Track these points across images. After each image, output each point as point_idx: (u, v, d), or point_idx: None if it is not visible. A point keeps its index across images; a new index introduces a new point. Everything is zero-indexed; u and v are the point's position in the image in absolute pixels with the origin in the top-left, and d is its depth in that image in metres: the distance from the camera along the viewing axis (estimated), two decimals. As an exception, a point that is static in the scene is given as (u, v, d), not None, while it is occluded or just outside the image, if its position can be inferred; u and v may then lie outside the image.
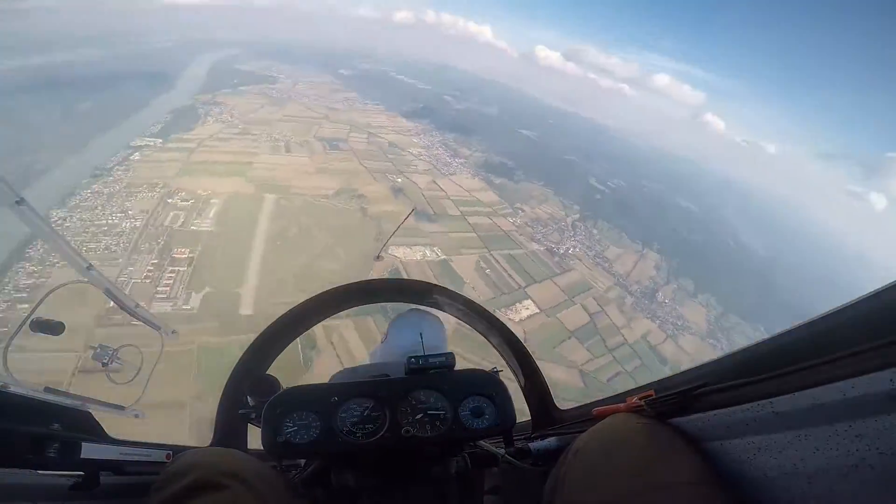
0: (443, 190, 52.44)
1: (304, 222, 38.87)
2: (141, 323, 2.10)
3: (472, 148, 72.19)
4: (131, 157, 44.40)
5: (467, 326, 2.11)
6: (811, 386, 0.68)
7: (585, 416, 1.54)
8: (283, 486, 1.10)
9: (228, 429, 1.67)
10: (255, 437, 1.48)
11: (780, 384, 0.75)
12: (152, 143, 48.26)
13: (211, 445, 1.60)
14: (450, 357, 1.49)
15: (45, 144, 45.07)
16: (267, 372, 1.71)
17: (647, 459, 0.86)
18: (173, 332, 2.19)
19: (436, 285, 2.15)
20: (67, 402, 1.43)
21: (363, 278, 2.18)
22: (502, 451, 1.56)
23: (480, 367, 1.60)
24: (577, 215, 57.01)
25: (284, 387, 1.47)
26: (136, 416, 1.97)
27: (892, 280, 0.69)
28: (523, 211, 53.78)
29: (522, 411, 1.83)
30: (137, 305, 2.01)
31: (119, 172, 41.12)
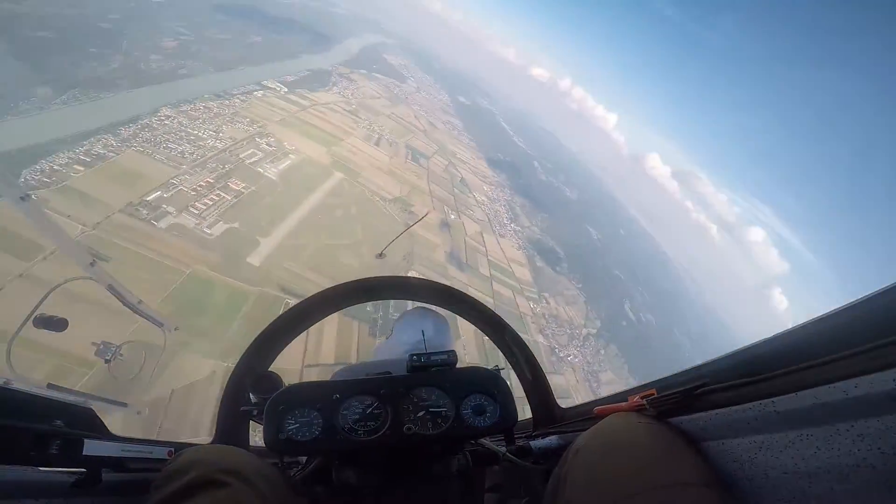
0: (485, 246, 53.03)
1: (351, 211, 40.95)
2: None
3: (533, 221, 72.81)
4: (254, 93, 50.17)
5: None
6: (813, 385, 0.69)
7: (587, 415, 1.53)
8: (284, 484, 1.10)
9: (230, 426, 1.66)
10: (257, 435, 1.47)
11: (781, 384, 0.76)
12: (277, 89, 54.15)
13: (213, 443, 1.60)
14: (452, 355, 1.48)
15: (202, 57, 52.65)
16: (269, 369, 1.69)
17: (648, 459, 0.86)
18: (176, 328, 2.23)
19: (439, 283, 2.12)
20: (70, 398, 1.47)
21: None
22: (504, 449, 1.55)
23: (482, 365, 1.59)
24: (595, 331, 55.16)
25: (286, 384, 1.47)
26: (139, 413, 1.97)
27: (892, 282, 0.68)
28: (547, 302, 52.93)
29: (524, 410, 1.84)
30: (140, 302, 2.08)
31: (236, 100, 46.49)
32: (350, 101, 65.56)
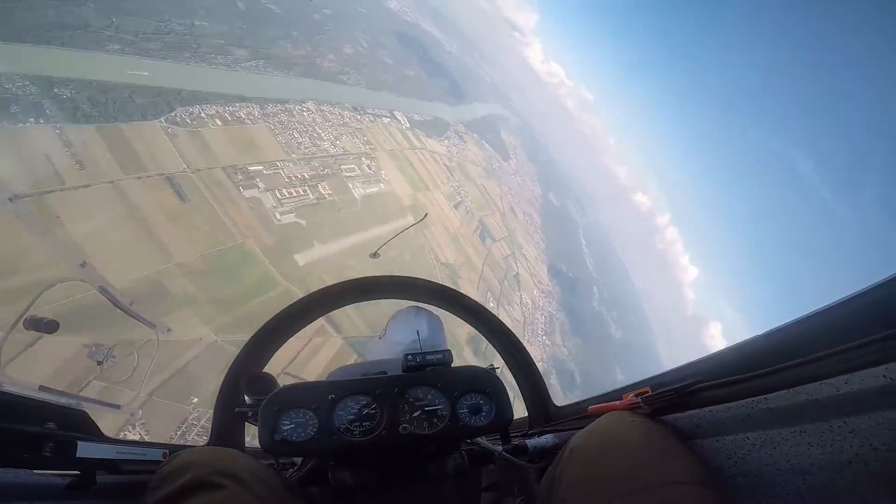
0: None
1: (404, 255, 42.33)
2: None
3: (566, 343, 69.47)
4: (382, 118, 56.03)
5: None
6: (806, 382, 0.69)
7: (582, 413, 1.54)
8: (280, 485, 1.10)
9: (225, 427, 1.66)
10: (253, 437, 1.48)
11: (774, 380, 0.76)
12: (401, 122, 60.05)
13: (208, 444, 1.60)
14: (447, 354, 1.49)
15: (363, 71, 60.57)
16: (263, 370, 1.69)
17: (643, 459, 0.87)
18: (168, 329, 2.26)
19: (434, 282, 2.12)
20: (63, 400, 1.56)
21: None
22: (499, 448, 1.54)
23: (478, 365, 1.59)
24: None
25: (281, 385, 1.47)
26: (132, 415, 2.06)
27: (885, 276, 0.69)
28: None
29: (521, 410, 1.86)
30: (132, 303, 2.14)
31: (366, 118, 52.15)
32: (452, 157, 70.14)
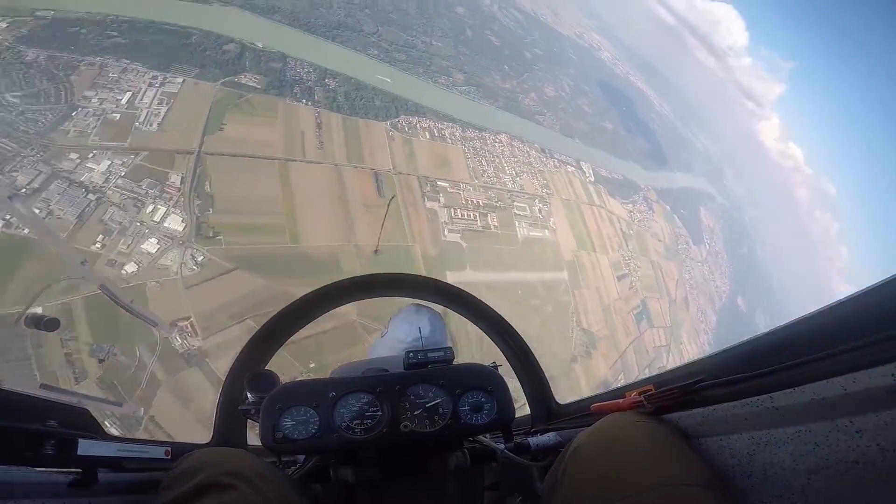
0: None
1: (546, 308, 39.35)
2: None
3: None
4: (567, 165, 54.50)
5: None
6: (812, 380, 0.68)
7: (584, 412, 1.52)
8: (286, 484, 1.12)
9: (228, 425, 1.68)
10: (255, 434, 1.47)
11: (780, 379, 0.75)
12: (586, 174, 57.18)
13: (210, 442, 1.65)
14: (448, 352, 1.48)
15: (559, 115, 60.65)
16: (266, 368, 1.67)
17: (646, 460, 0.87)
18: (171, 324, 2.13)
19: (437, 280, 2.13)
20: (64, 398, 1.34)
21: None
22: (502, 446, 1.54)
23: (480, 362, 1.56)
24: None
25: (283, 382, 1.45)
26: (134, 413, 2.01)
27: (891, 274, 0.67)
28: None
29: (523, 408, 1.89)
30: (132, 301, 1.88)
31: (550, 163, 51.41)
32: (633, 224, 63.07)
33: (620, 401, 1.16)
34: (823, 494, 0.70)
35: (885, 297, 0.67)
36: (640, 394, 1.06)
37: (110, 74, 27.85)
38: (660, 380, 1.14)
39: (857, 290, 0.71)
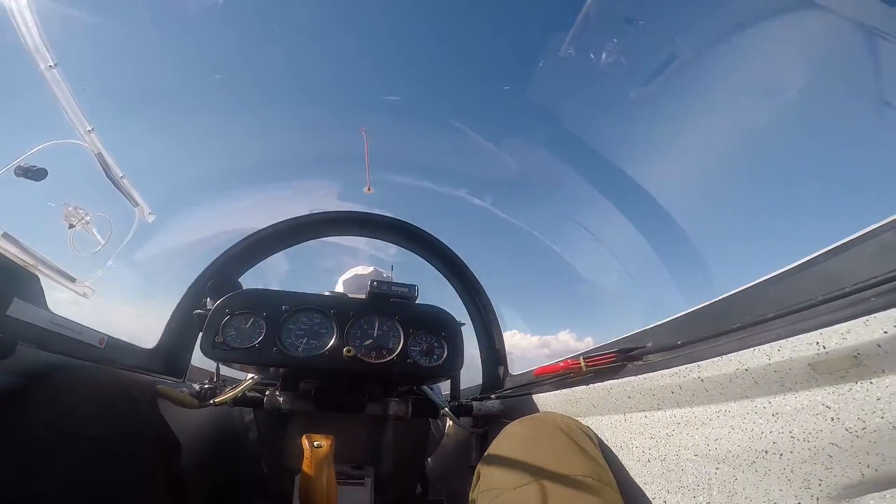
0: None
1: None
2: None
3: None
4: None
5: None
6: (738, 349, 0.67)
7: (529, 380, 1.52)
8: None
9: (176, 327, 1.66)
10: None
11: (708, 348, 0.74)
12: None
13: (158, 344, 1.63)
14: (413, 289, 1.44)
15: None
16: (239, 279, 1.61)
17: (555, 454, 0.91)
18: (150, 213, 1.90)
19: (423, 231, 2.12)
20: (22, 256, 1.23)
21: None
22: (446, 404, 1.55)
23: (444, 309, 1.49)
24: None
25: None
26: (84, 294, 1.65)
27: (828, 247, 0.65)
28: None
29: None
30: (123, 177, 1.74)
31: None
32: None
33: (559, 363, 1.18)
34: (724, 489, 0.68)
35: (813, 268, 0.65)
36: (581, 357, 1.09)
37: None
38: (604, 348, 1.14)
39: (790, 265, 0.70)
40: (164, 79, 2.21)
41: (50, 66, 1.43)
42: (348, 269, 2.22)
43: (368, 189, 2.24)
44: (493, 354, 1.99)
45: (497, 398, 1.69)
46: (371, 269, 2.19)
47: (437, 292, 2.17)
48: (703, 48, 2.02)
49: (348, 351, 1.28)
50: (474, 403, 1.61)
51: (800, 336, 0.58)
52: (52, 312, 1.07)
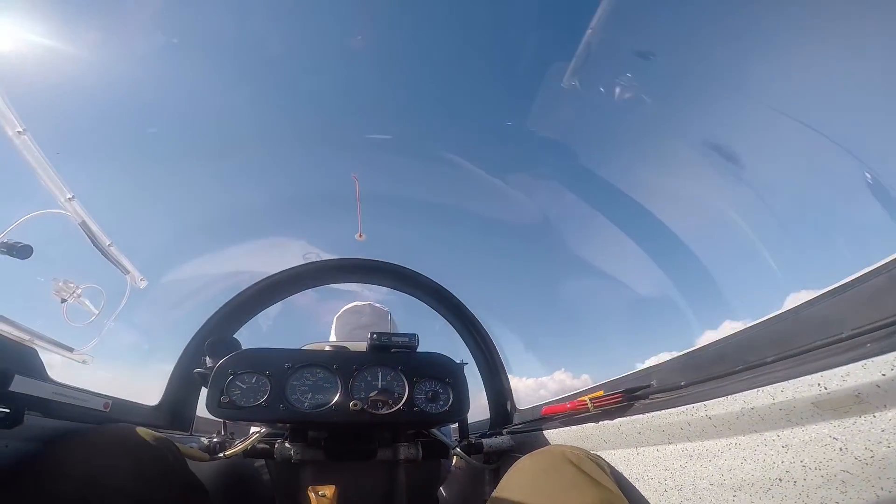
0: None
1: None
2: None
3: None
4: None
5: None
6: (742, 390, 0.69)
7: (536, 416, 1.55)
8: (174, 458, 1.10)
9: (178, 386, 1.68)
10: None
11: (715, 388, 0.77)
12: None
13: (160, 403, 1.65)
14: (413, 338, 1.45)
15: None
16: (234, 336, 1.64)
17: (564, 487, 0.92)
18: (141, 279, 1.94)
19: (418, 273, 2.12)
20: (16, 333, 1.32)
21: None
22: (456, 443, 1.56)
23: (445, 354, 1.51)
24: None
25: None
26: (84, 362, 1.74)
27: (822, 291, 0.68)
28: None
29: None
30: (110, 245, 1.77)
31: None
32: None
33: (567, 404, 1.20)
34: None
35: (811, 311, 0.68)
36: (589, 398, 1.10)
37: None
38: (610, 386, 1.16)
39: (787, 308, 0.73)
40: (139, 134, 2.18)
41: (19, 132, 1.41)
42: (343, 309, 2.20)
43: (360, 236, 2.25)
44: (499, 389, 1.99)
45: (508, 433, 1.69)
46: (366, 303, 2.17)
47: (441, 325, 2.18)
48: (717, 73, 1.90)
49: (354, 405, 1.28)
50: (484, 441, 1.61)
51: (802, 378, 0.60)
52: (55, 382, 1.09)
